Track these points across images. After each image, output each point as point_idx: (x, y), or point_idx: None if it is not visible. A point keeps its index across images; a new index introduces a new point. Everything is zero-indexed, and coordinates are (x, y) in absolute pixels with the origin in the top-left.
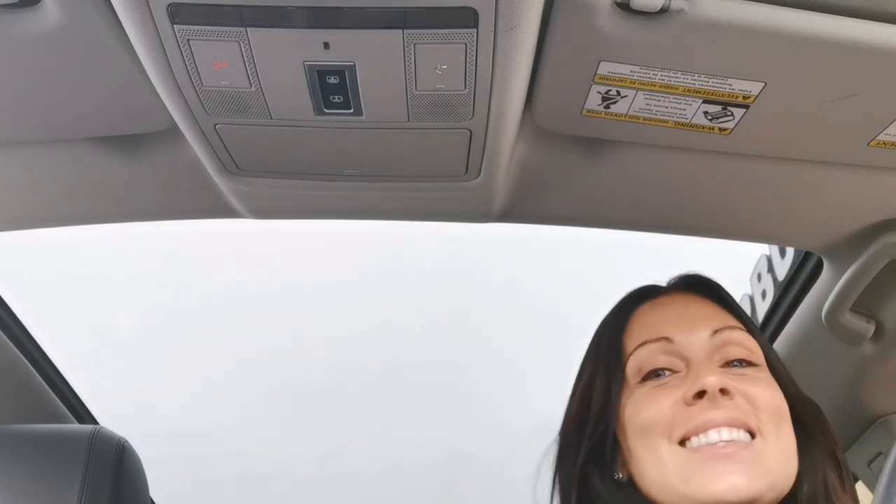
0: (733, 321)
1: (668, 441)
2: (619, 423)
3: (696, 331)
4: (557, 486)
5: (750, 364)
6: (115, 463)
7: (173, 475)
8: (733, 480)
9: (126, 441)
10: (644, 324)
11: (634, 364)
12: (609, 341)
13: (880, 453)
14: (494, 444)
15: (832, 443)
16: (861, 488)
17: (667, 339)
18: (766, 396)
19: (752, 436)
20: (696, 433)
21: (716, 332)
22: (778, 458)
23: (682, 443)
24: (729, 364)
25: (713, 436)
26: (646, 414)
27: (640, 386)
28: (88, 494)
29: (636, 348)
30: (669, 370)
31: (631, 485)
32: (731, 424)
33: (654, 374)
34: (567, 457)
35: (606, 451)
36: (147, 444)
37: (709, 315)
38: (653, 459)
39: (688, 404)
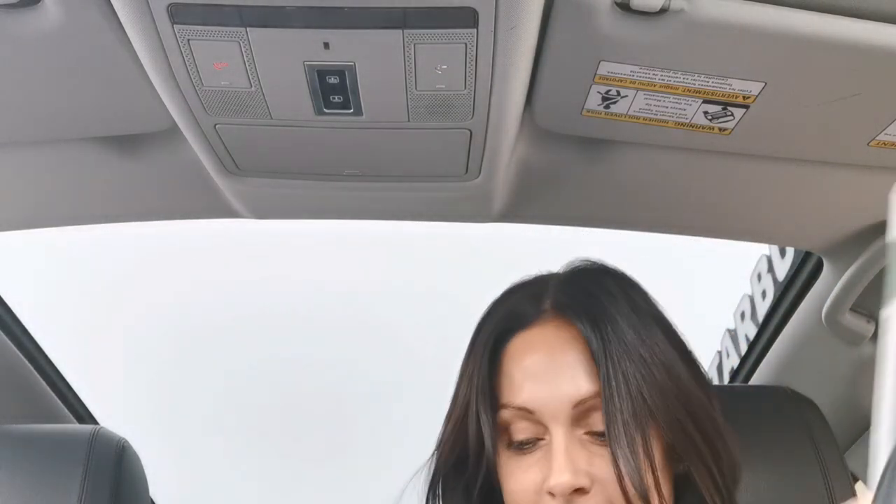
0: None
1: None
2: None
3: (559, 398)
4: None
5: None
6: (115, 463)
7: (173, 475)
8: None
9: (126, 441)
10: (509, 373)
11: (502, 422)
12: (480, 382)
13: None
14: None
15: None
16: (861, 488)
17: (527, 410)
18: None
19: None
20: None
21: (577, 404)
22: None
23: None
24: (592, 435)
25: None
26: (512, 487)
27: (507, 450)
28: (88, 494)
29: (500, 407)
30: (533, 439)
31: None
32: None
33: (518, 443)
34: (452, 490)
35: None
36: (147, 444)
37: (574, 372)
38: None
39: (548, 493)
